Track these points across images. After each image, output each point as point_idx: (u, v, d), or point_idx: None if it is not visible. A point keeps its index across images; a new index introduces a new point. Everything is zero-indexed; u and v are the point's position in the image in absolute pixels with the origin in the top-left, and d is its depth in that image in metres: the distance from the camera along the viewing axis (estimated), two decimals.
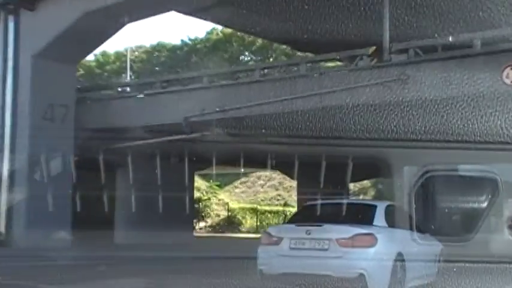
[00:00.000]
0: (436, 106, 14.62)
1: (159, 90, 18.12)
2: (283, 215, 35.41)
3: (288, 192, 42.20)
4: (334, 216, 8.49)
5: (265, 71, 17.61)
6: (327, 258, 7.64)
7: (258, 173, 47.08)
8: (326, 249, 7.62)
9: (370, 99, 14.87)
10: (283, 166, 25.70)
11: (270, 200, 44.65)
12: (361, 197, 40.90)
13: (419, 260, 8.51)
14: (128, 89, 19.48)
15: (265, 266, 8.06)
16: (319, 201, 9.31)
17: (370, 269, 7.50)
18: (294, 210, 34.74)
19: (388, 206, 8.92)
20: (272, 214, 35.17)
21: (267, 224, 34.84)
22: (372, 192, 45.53)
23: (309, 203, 9.60)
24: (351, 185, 45.05)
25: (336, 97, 15.24)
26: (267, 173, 45.06)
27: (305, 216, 8.96)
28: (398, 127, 15.49)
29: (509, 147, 12.11)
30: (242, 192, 46.22)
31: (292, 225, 8.40)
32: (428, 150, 15.18)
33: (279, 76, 16.61)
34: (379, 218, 8.28)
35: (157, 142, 17.60)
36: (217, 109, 16.59)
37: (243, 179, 47.74)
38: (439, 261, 9.26)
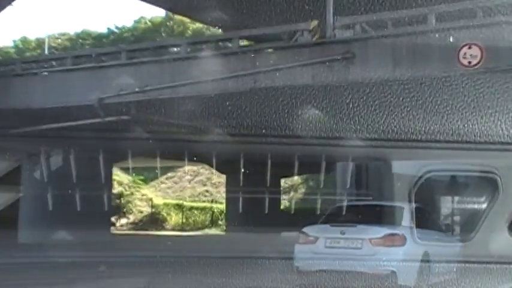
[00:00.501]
0: (383, 89, 13.06)
1: (68, 67, 15.73)
2: (211, 212, 33.53)
3: (216, 188, 40.45)
4: (364, 217, 9.00)
5: (193, 47, 15.51)
6: (361, 256, 8.14)
7: (186, 168, 45.11)
8: (360, 248, 8.16)
9: (311, 79, 13.14)
10: (211, 160, 23.84)
11: (197, 196, 42.84)
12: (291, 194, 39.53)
13: (442, 258, 8.98)
14: (34, 65, 16.96)
15: (302, 263, 8.63)
16: (349, 203, 10.49)
17: (401, 266, 8.05)
18: (222, 206, 32.92)
19: (415, 207, 9.38)
20: (199, 211, 33.22)
21: (193, 221, 32.88)
22: (302, 189, 44.43)
23: (338, 204, 10.30)
24: (282, 181, 43.88)
25: (272, 77, 13.45)
26: (195, 167, 43.18)
27: (336, 216, 9.33)
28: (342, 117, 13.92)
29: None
30: (168, 187, 44.09)
31: (327, 226, 8.82)
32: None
33: (209, 53, 14.58)
34: (407, 219, 8.78)
35: (68, 127, 15.29)
36: (137, 89, 14.45)
37: (169, 174, 45.67)
38: (457, 259, 9.52)
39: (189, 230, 31.71)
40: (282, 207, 37.14)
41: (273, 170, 11.64)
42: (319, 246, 8.65)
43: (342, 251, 8.49)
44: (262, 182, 12.00)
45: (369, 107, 13.15)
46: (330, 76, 13.03)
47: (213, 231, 31.89)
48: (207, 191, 43.49)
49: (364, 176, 19.42)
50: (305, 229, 9.26)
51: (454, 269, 9.11)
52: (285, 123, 15.14)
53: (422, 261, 8.52)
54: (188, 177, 45.76)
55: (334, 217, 9.42)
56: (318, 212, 11.70)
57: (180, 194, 41.68)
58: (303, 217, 10.07)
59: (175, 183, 45.12)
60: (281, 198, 41.84)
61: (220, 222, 31.69)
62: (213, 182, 42.36)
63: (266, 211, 13.95)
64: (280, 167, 11.87)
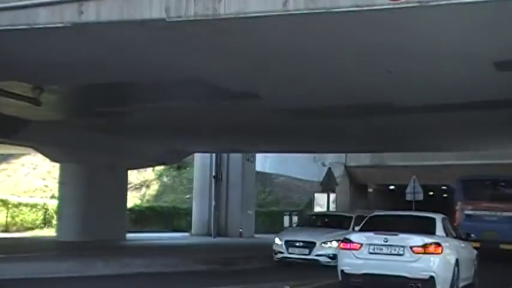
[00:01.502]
0: None
1: None
2: (44, 210, 28.49)
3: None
4: (400, 226, 9.92)
5: None
6: (403, 262, 9.24)
7: (23, 159, 39.37)
8: (402, 255, 9.24)
9: None
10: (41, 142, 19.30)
11: (34, 191, 37.31)
12: None
13: (467, 264, 10.46)
14: None
15: (347, 267, 9.66)
16: (384, 212, 12.59)
17: (439, 272, 9.14)
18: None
19: (443, 218, 10.69)
20: (28, 208, 28.02)
21: (21, 220, 27.68)
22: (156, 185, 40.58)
23: (374, 213, 11.34)
24: (134, 176, 39.51)
25: None
26: (33, 159, 37.63)
27: (373, 225, 10.23)
28: None
29: None
30: (0, 181, 38.13)
31: (371, 233, 9.67)
32: None
33: None
34: (440, 229, 9.99)
35: None
36: None
37: (3, 166, 39.70)
38: (474, 264, 11.13)
39: (14, 231, 26.54)
40: (131, 204, 32.99)
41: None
42: (364, 252, 9.53)
43: (385, 257, 9.41)
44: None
45: None
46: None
47: (45, 232, 26.94)
48: (46, 185, 38.20)
49: None
50: (348, 236, 10.13)
51: (473, 274, 10.65)
52: None
53: (454, 267, 9.62)
54: (25, 170, 40.08)
55: (370, 225, 10.31)
56: None
57: (13, 189, 36.04)
58: None
59: (9, 176, 39.30)
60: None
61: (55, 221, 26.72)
62: (54, 176, 36.98)
63: None
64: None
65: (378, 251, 9.47)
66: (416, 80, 11.32)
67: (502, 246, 12.22)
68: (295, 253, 15.01)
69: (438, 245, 9.32)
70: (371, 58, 10.02)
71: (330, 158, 37.83)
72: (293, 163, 39.95)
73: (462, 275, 10.08)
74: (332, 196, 24.54)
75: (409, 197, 29.16)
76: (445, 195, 58.10)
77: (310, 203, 34.62)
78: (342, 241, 10.08)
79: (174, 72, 11.10)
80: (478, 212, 18.08)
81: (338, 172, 39.90)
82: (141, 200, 38.22)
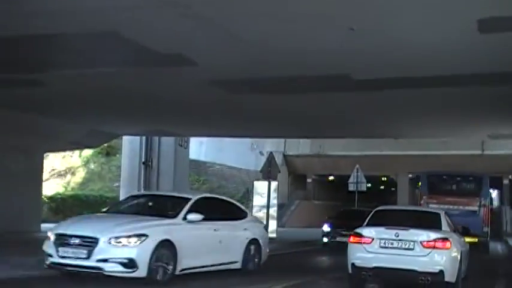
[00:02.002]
0: None
1: None
2: None
3: None
4: (406, 221, 10.14)
5: None
6: (413, 256, 9.47)
7: None
8: (412, 249, 9.47)
9: None
10: None
11: None
12: None
13: (466, 257, 11.04)
14: None
15: (358, 260, 9.82)
16: (389, 207, 12.72)
17: (447, 266, 9.48)
18: None
19: (445, 214, 11.23)
20: None
21: None
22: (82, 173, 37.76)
23: (379, 208, 11.24)
24: (58, 162, 36.67)
25: None
26: None
27: (379, 219, 10.45)
28: None
29: None
30: None
31: (382, 228, 9.87)
32: None
33: None
34: (445, 224, 10.42)
35: None
36: None
37: None
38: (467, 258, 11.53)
39: None
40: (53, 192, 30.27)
41: None
42: (374, 246, 9.74)
43: (395, 251, 9.64)
44: None
45: None
46: None
47: None
48: None
49: None
50: (359, 230, 10.15)
51: (467, 267, 11.04)
52: None
53: (459, 261, 10.06)
54: None
55: (376, 219, 10.48)
56: None
57: None
58: None
59: None
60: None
61: None
62: None
63: None
64: None
65: (389, 245, 9.70)
66: (381, 44, 9.42)
67: (465, 239, 11.85)
68: (68, 256, 9.62)
69: (447, 240, 9.71)
70: (328, 13, 8.08)
71: (268, 146, 36.08)
72: (229, 151, 38.00)
73: (463, 268, 10.61)
74: (274, 184, 22.67)
75: (351, 187, 27.67)
76: (382, 187, 57.50)
77: (248, 192, 32.71)
78: (353, 235, 10.20)
79: (82, 22, 8.79)
80: (442, 206, 18.66)
81: (276, 161, 38.27)
82: (65, 187, 35.39)
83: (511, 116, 14.65)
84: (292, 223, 33.49)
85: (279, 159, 37.90)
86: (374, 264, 9.75)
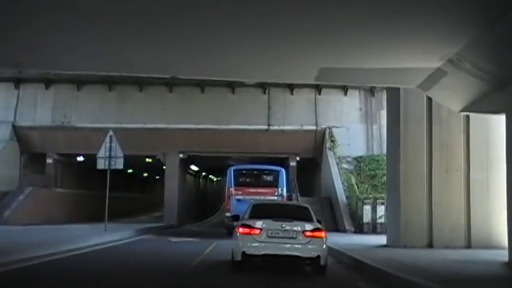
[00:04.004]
0: None
1: None
2: None
3: None
4: (281, 214, 11.50)
5: None
6: (296, 244, 10.83)
7: None
8: (295, 238, 10.85)
9: None
10: None
11: None
12: None
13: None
14: None
15: (248, 248, 10.89)
16: (264, 202, 16.39)
17: (322, 251, 10.86)
18: None
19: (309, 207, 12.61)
20: None
21: None
22: None
23: (255, 202, 12.73)
24: None
25: None
26: None
27: (258, 212, 11.69)
28: None
29: None
30: None
31: (269, 220, 11.02)
32: None
33: None
34: (313, 216, 11.62)
35: None
36: None
37: None
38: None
39: None
40: None
41: None
42: (263, 236, 10.89)
43: (281, 240, 10.88)
44: None
45: None
46: None
47: None
48: None
49: None
50: (248, 222, 11.26)
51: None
52: None
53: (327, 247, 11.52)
54: None
55: (256, 213, 11.67)
56: None
57: None
58: None
59: None
60: None
61: None
62: None
63: None
64: None
65: (275, 235, 10.82)
66: None
67: None
68: None
69: (322, 230, 11.13)
70: None
71: None
72: None
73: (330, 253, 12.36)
74: None
75: (101, 165, 19.14)
76: (145, 174, 49.10)
77: None
78: (242, 226, 11.09)
79: None
80: (246, 197, 21.08)
81: (2, 134, 28.02)
82: None
83: (344, 47, 11.86)
84: (20, 219, 23.71)
85: (6, 132, 27.83)
86: (263, 252, 10.83)
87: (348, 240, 17.69)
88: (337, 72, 12.96)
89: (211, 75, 16.29)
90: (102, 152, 18.76)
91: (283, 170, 23.99)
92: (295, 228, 10.86)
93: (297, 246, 10.78)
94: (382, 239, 17.98)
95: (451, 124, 14.83)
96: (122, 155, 18.93)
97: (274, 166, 24.43)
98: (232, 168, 24.04)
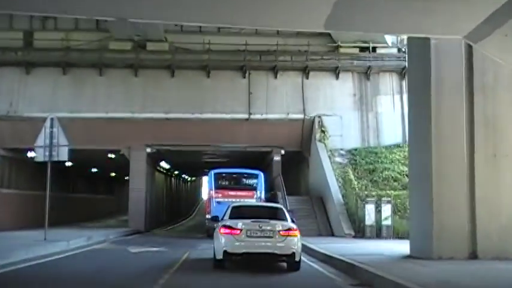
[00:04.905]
0: None
1: None
2: None
3: None
4: (260, 214, 12.38)
5: None
6: (273, 243, 11.53)
7: None
8: (272, 237, 11.56)
9: None
10: None
11: None
12: None
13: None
14: None
15: (229, 247, 11.55)
16: (242, 203, 16.09)
17: (297, 248, 11.58)
18: None
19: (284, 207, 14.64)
20: None
21: None
22: None
23: (234, 204, 13.49)
24: None
25: None
26: None
27: (237, 213, 12.38)
28: None
29: None
30: None
31: (248, 221, 11.71)
32: None
33: None
34: (288, 216, 12.46)
35: None
36: None
37: None
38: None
39: None
40: None
41: None
42: (242, 236, 11.57)
43: (259, 239, 11.57)
44: None
45: None
46: None
47: None
48: None
49: None
50: (228, 222, 11.93)
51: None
52: None
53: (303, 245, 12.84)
54: None
55: (235, 214, 12.38)
56: None
57: None
58: None
59: None
60: None
61: None
62: None
63: None
64: None
65: (254, 235, 11.52)
66: None
67: None
68: None
69: (296, 229, 11.79)
70: None
71: None
72: None
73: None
74: None
75: (40, 156, 15.15)
76: (113, 174, 44.71)
77: None
78: (223, 227, 11.73)
79: None
80: (225, 199, 21.74)
81: None
82: None
83: None
84: None
85: None
86: (243, 250, 11.53)
87: (354, 249, 14.11)
88: (355, 9, 9.10)
89: (197, 19, 11.12)
90: (41, 140, 14.77)
91: (262, 173, 24.25)
92: (272, 228, 11.64)
93: (273, 244, 11.53)
94: (397, 246, 14.44)
95: (499, 94, 11.19)
96: (67, 143, 14.95)
97: (254, 170, 24.57)
98: (213, 172, 24.33)
